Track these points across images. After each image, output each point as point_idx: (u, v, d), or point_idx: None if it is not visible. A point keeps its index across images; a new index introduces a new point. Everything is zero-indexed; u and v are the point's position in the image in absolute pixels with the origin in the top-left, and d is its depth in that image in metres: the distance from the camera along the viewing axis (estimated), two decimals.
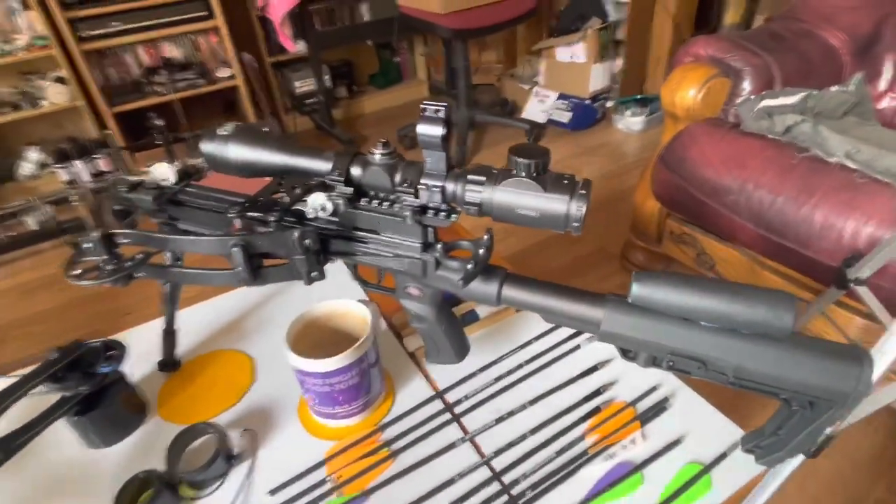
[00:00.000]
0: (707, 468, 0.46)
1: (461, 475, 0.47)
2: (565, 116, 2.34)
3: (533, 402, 0.53)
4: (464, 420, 0.52)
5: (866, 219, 0.86)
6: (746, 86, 1.13)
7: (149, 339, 0.61)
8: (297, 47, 2.19)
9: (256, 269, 0.45)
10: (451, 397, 0.55)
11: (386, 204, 0.43)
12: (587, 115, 2.32)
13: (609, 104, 2.37)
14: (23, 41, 1.89)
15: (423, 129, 0.38)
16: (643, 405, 0.52)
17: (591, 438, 0.49)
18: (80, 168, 2.02)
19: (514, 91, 2.68)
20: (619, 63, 2.29)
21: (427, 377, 0.57)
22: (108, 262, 0.44)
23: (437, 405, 0.54)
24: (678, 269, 1.37)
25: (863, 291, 0.81)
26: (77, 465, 0.52)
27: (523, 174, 0.38)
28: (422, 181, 0.40)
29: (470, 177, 0.39)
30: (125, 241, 0.45)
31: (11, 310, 1.62)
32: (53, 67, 1.96)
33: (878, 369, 0.59)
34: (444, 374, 0.57)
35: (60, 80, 1.97)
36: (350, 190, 0.43)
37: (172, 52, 2.13)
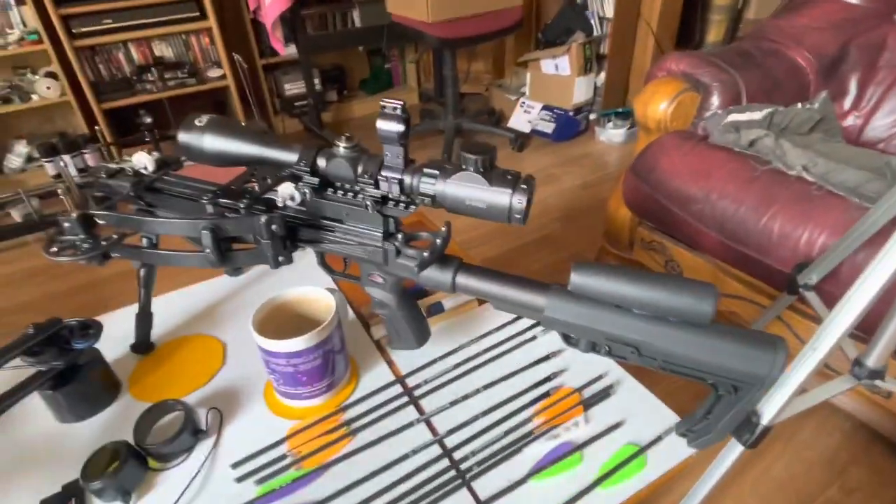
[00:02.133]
0: (642, 449, 0.50)
1: (415, 451, 0.50)
2: (549, 127, 2.40)
3: (487, 386, 0.56)
4: (422, 402, 0.55)
5: (820, 229, 0.91)
6: (715, 100, 1.18)
7: (125, 323, 0.63)
8: (287, 50, 2.22)
9: (225, 252, 0.48)
10: (411, 382, 0.58)
11: (350, 194, 0.47)
12: (570, 126, 2.38)
13: (592, 116, 2.43)
14: (15, 35, 1.91)
15: (382, 125, 0.41)
16: (589, 391, 0.55)
17: (537, 420, 0.53)
18: (68, 162, 2.03)
19: (501, 101, 2.73)
20: (602, 77, 2.35)
21: (390, 364, 0.60)
22: (85, 240, 0.46)
23: (398, 389, 0.57)
24: None
25: (811, 296, 0.85)
26: (48, 437, 0.54)
27: (471, 169, 0.41)
28: (382, 173, 0.44)
29: (426, 170, 0.43)
30: (102, 222, 0.48)
31: None
32: (45, 62, 1.98)
33: (809, 364, 0.62)
34: (407, 360, 0.60)
35: (51, 76, 1.98)
36: (316, 180, 0.46)
37: (164, 51, 2.15)
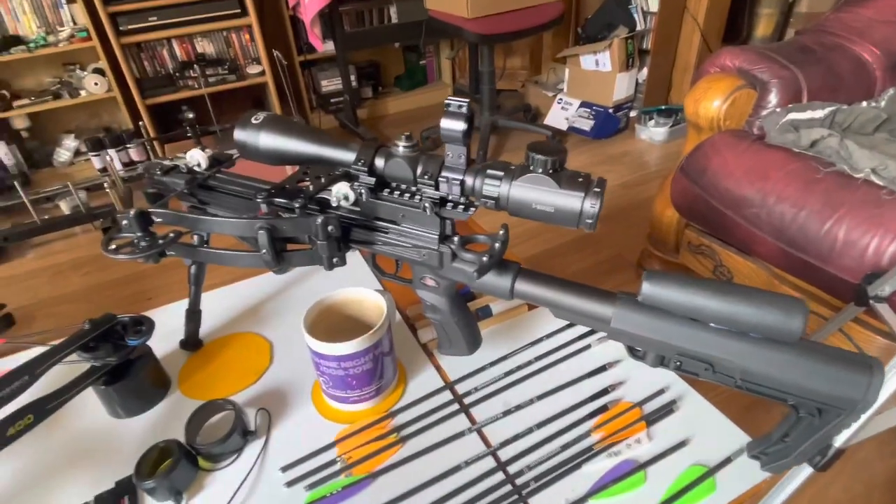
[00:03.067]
0: (712, 471, 0.47)
1: (467, 463, 0.48)
2: (587, 124, 2.34)
3: (541, 397, 0.54)
4: (472, 411, 0.54)
5: (892, 236, 0.85)
6: (773, 98, 1.12)
7: (173, 319, 0.63)
8: (325, 47, 2.23)
9: (280, 252, 0.47)
10: (460, 389, 0.56)
11: (407, 195, 0.45)
12: (610, 123, 2.32)
13: (632, 114, 2.36)
14: (65, 33, 1.97)
15: (446, 123, 0.39)
16: (650, 406, 0.53)
17: (596, 435, 0.50)
18: (113, 157, 2.09)
19: (537, 97, 2.69)
20: (644, 73, 2.28)
21: (438, 368, 0.59)
22: (142, 238, 0.46)
23: (447, 396, 0.55)
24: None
25: (883, 309, 0.80)
26: (101, 433, 0.54)
27: (539, 170, 0.39)
28: (442, 174, 0.42)
29: (489, 171, 0.41)
30: (159, 220, 0.48)
31: (43, 289, 1.68)
32: (93, 59, 2.03)
33: (891, 386, 0.58)
34: (455, 366, 0.58)
35: (99, 72, 2.04)
36: (372, 180, 0.44)
37: (206, 47, 2.19)
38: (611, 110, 2.31)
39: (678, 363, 0.43)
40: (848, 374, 0.38)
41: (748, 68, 1.13)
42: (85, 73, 2.05)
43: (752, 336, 0.40)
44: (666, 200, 1.30)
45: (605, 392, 0.54)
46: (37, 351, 0.48)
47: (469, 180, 0.41)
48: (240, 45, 2.24)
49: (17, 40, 1.93)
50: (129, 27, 1.96)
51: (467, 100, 0.39)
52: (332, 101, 2.49)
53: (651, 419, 0.51)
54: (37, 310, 1.58)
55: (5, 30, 1.94)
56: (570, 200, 0.39)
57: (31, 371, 0.45)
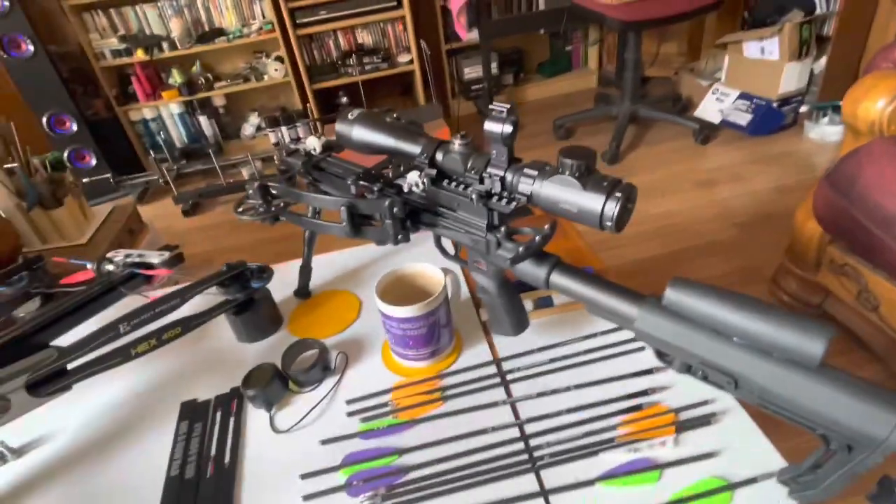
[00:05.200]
0: (732, 485, 0.46)
1: (494, 428, 0.54)
2: (744, 118, 2.12)
3: (578, 386, 0.57)
4: (511, 387, 0.59)
5: None
6: None
7: (293, 273, 0.78)
8: (470, 35, 2.33)
9: (358, 226, 0.57)
10: (506, 366, 0.61)
11: (461, 186, 0.51)
12: (771, 119, 2.06)
13: (802, 109, 2.07)
14: (256, 25, 2.35)
15: (489, 126, 0.45)
16: (686, 415, 0.53)
17: (622, 430, 0.52)
18: (284, 133, 2.45)
19: (690, 87, 2.48)
20: (821, 63, 1.98)
21: (491, 345, 0.65)
22: (262, 205, 0.59)
23: (492, 370, 0.61)
24: (835, 304, 1.20)
25: None
26: (226, 351, 0.71)
27: (567, 173, 0.42)
28: (487, 170, 0.47)
29: (525, 170, 0.45)
30: (275, 191, 0.61)
31: (221, 239, 2.08)
32: (275, 48, 2.40)
33: None
34: (506, 345, 0.64)
35: (279, 59, 2.40)
36: (434, 171, 0.52)
37: (365, 38, 2.43)
38: (774, 104, 2.06)
39: (703, 373, 0.44)
40: (874, 409, 0.36)
41: None
42: (268, 60, 2.42)
43: (774, 356, 0.39)
44: (808, 210, 1.16)
45: (643, 393, 0.55)
46: (190, 283, 0.65)
47: (508, 177, 0.46)
48: (393, 35, 2.45)
49: (220, 32, 2.35)
50: (304, 20, 2.27)
51: (508, 105, 0.44)
52: (473, 88, 2.59)
53: (683, 426, 0.51)
54: (215, 255, 1.96)
55: (213, 23, 2.38)
56: (592, 202, 0.42)
57: (182, 295, 0.62)
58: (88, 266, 0.68)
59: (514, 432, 0.54)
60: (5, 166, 1.35)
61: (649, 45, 2.60)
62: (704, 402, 0.53)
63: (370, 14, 2.30)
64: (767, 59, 2.01)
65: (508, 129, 0.44)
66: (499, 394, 0.58)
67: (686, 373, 0.45)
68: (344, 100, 2.18)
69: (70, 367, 0.53)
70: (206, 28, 2.36)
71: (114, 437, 0.61)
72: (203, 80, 2.39)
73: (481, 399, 0.58)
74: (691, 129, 2.22)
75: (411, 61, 2.41)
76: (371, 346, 0.68)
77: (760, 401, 0.41)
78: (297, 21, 2.26)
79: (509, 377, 0.60)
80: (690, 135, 2.24)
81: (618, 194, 0.41)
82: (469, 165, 0.49)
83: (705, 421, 0.52)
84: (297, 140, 2.50)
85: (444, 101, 2.63)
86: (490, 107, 0.44)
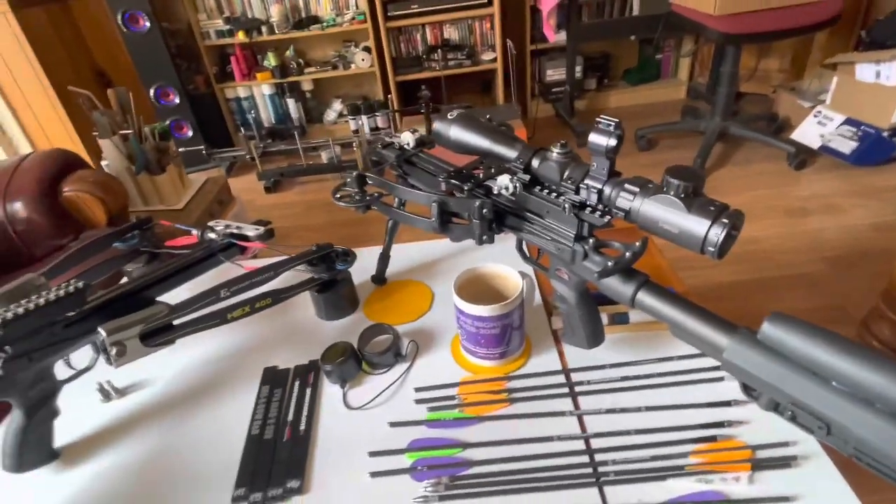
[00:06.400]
0: None
1: (560, 438, 0.54)
2: (848, 146, 1.96)
3: (650, 408, 0.56)
4: (580, 399, 0.59)
5: None
6: None
7: (372, 258, 0.81)
8: (557, 37, 2.30)
9: (446, 223, 0.58)
10: (575, 377, 0.61)
11: (553, 194, 0.52)
12: (880, 148, 1.90)
13: None
14: (349, 15, 2.43)
15: (594, 138, 0.45)
16: (764, 454, 0.50)
17: (693, 459, 0.51)
18: (364, 122, 2.53)
19: (789, 107, 2.33)
20: None
21: (561, 355, 0.65)
22: (357, 193, 0.62)
23: (561, 379, 0.61)
24: None
25: None
26: (308, 325, 0.75)
27: (672, 193, 0.42)
28: (585, 181, 0.47)
29: (626, 185, 0.45)
30: (370, 182, 0.64)
31: (298, 217, 2.19)
32: (364, 38, 2.47)
33: None
34: (577, 357, 0.64)
35: (367, 50, 2.47)
36: (527, 177, 0.52)
37: (451, 33, 2.46)
38: (885, 133, 1.89)
39: (792, 414, 0.42)
40: None
41: None
42: (357, 49, 2.50)
43: (877, 407, 0.37)
44: None
45: (719, 425, 0.54)
46: (281, 258, 0.69)
47: (607, 190, 0.46)
48: (480, 32, 2.46)
49: (315, 19, 2.45)
50: (395, 13, 2.32)
51: (617, 119, 0.44)
52: (553, 90, 2.56)
53: (760, 465, 0.49)
54: (292, 232, 2.06)
55: (309, 10, 2.48)
56: (696, 226, 0.41)
57: (275, 269, 0.66)
58: (193, 232, 0.74)
59: (580, 444, 0.54)
60: (120, 132, 1.48)
61: (748, 59, 2.46)
62: (785, 444, 0.51)
63: (461, 10, 2.32)
64: (883, 83, 1.86)
65: (613, 142, 0.44)
66: (565, 404, 0.58)
67: (773, 411, 0.43)
68: (425, 93, 2.22)
69: (175, 322, 0.59)
70: (303, 15, 2.48)
71: (203, 391, 0.66)
72: (295, 65, 2.51)
73: (547, 406, 0.58)
74: (786, 153, 2.09)
75: (495, 59, 2.41)
76: (441, 338, 0.69)
77: (855, 452, 0.39)
78: (389, 13, 2.32)
79: (577, 389, 0.60)
80: (784, 158, 2.11)
81: (724, 220, 0.40)
82: (566, 175, 0.49)
83: (785, 463, 0.49)
84: (376, 130, 2.58)
85: (522, 101, 2.62)
86: (597, 119, 0.44)
